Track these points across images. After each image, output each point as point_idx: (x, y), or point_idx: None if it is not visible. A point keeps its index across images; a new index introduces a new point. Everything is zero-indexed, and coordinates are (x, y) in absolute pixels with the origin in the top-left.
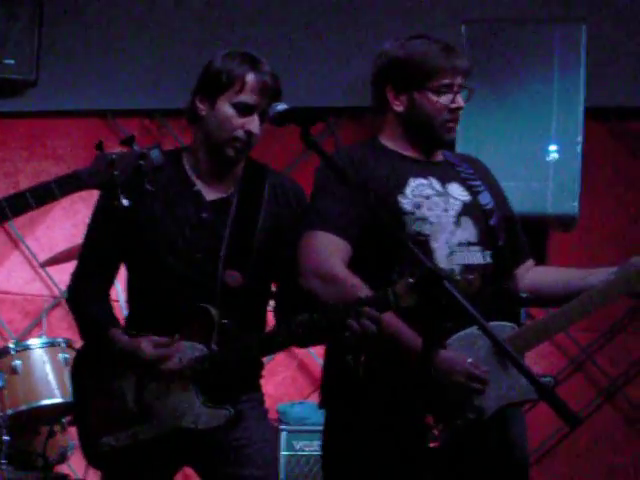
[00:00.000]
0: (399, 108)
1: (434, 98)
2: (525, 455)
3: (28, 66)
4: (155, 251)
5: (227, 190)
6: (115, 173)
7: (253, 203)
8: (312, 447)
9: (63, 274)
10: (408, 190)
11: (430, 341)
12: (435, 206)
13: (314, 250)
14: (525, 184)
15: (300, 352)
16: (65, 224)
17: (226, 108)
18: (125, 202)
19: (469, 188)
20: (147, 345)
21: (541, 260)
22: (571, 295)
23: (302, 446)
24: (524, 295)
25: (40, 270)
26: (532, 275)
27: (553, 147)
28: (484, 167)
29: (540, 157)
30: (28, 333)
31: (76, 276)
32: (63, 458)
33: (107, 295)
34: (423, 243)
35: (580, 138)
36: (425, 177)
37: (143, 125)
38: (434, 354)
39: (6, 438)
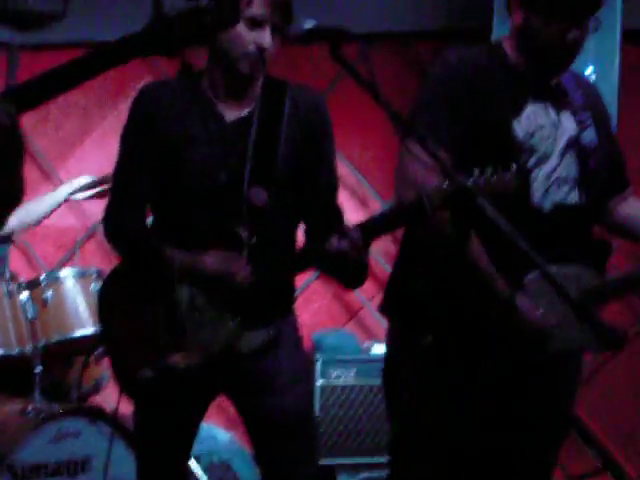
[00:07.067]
0: (517, 20)
1: (551, 28)
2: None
3: None
4: (178, 173)
5: (247, 109)
6: None
7: (274, 118)
8: (347, 376)
9: (96, 205)
10: (524, 115)
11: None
12: (546, 137)
13: (411, 161)
14: None
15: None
16: (97, 156)
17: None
18: None
19: (578, 122)
20: (212, 259)
21: None
22: None
23: (337, 375)
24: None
25: (73, 201)
26: (625, 208)
27: (590, 70)
28: (597, 94)
29: None
30: (62, 265)
31: (111, 204)
32: (97, 389)
33: (145, 224)
34: (526, 175)
35: (617, 61)
36: (543, 101)
37: None
38: (512, 296)
39: (39, 370)
